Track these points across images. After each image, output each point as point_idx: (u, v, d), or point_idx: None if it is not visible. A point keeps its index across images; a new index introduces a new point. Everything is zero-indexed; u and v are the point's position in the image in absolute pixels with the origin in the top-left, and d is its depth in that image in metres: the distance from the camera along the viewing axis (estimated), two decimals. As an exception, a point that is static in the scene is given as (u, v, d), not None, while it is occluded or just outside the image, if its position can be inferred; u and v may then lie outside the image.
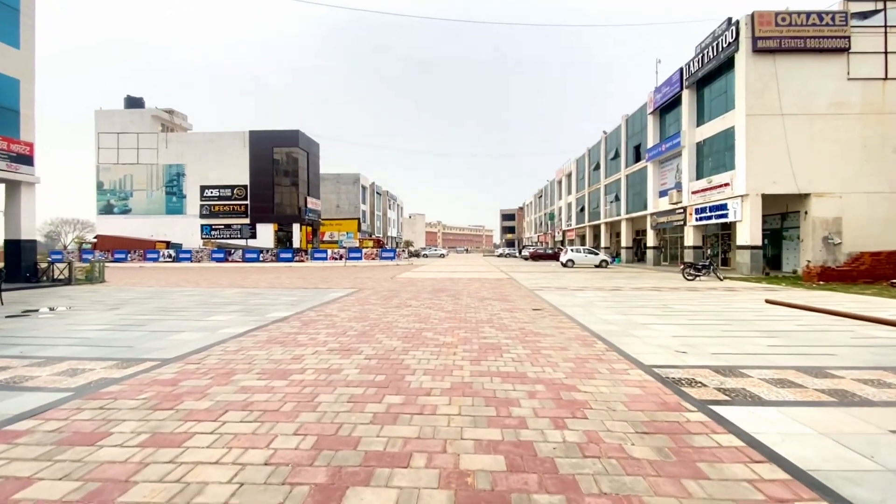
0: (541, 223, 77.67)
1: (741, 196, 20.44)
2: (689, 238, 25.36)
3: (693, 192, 24.68)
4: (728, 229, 26.14)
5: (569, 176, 55.41)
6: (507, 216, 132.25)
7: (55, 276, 16.97)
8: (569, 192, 55.70)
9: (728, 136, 21.86)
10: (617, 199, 37.66)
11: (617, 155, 37.40)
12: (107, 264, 34.53)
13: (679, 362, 5.36)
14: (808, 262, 19.56)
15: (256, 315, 9.08)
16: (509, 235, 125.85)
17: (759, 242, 20.18)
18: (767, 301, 11.20)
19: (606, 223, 41.12)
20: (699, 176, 24.77)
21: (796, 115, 19.92)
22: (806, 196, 20.01)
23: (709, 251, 26.88)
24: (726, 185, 21.50)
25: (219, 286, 16.12)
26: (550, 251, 46.28)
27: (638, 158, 33.44)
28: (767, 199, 20.40)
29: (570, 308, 10.09)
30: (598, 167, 42.86)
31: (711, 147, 23.63)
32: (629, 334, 7.08)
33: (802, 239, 20.34)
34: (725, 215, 21.61)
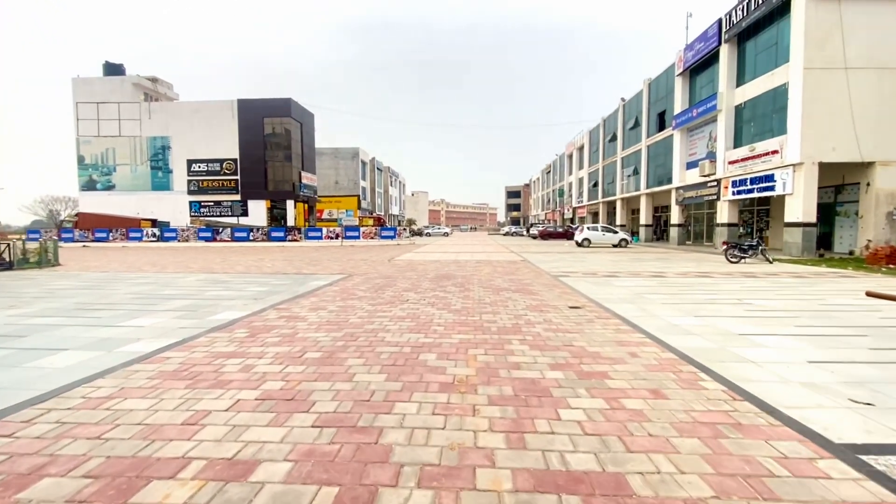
0: (548, 200, 74.66)
1: (793, 165, 17.64)
2: (724, 214, 22.64)
3: (730, 163, 21.83)
4: (766, 204, 23.38)
5: (580, 149, 52.18)
6: (512, 193, 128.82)
7: (-2, 259, 14.61)
8: (580, 167, 52.59)
9: (778, 95, 18.88)
10: (636, 172, 34.74)
11: (637, 124, 34.27)
12: (86, 244, 32.34)
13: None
14: (869, 241, 16.96)
15: (197, 317, 6.68)
16: (515, 213, 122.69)
17: (812, 219, 17.48)
18: (869, 294, 8.66)
19: (623, 199, 38.29)
20: (738, 144, 21.87)
21: (863, 68, 16.92)
22: (869, 165, 17.19)
23: (743, 229, 24.21)
24: (774, 152, 18.65)
25: (186, 270, 13.74)
26: (561, 229, 43.60)
27: (662, 127, 30.37)
28: (821, 169, 17.58)
29: (616, 304, 7.62)
30: (614, 138, 39.73)
31: (755, 110, 20.65)
32: (737, 356, 4.63)
33: (862, 215, 17.61)
34: (772, 188, 18.85)
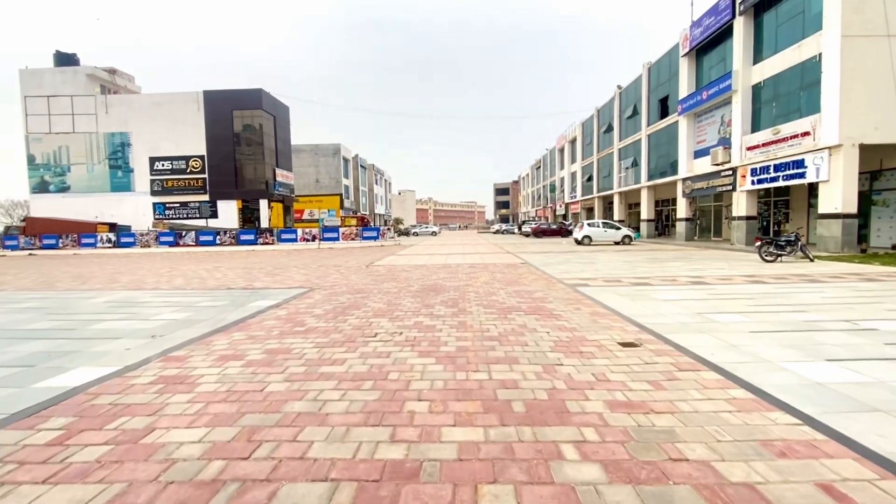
0: (539, 196, 72.58)
1: (829, 148, 15.43)
2: (741, 206, 20.43)
3: (748, 148, 19.61)
4: (786, 195, 21.24)
5: (573, 142, 50.01)
6: (500, 191, 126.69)
7: None
8: (573, 161, 50.42)
9: (807, 69, 16.67)
10: (635, 164, 32.53)
11: (636, 112, 32.04)
12: (33, 252, 29.01)
13: None
14: (916, 233, 14.82)
15: (16, 384, 4.00)
16: (504, 211, 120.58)
17: (853, 209, 15.30)
18: None
19: (620, 193, 36.09)
20: (757, 127, 19.67)
21: (908, 35, 14.76)
22: (915, 146, 15.08)
23: (758, 223, 22.01)
24: (805, 134, 16.44)
25: (108, 286, 10.92)
26: (555, 226, 41.33)
27: (665, 114, 28.16)
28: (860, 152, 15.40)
29: (685, 337, 5.15)
30: (610, 129, 37.53)
31: (777, 88, 18.44)
32: None
33: (906, 204, 15.50)
34: (802, 175, 16.64)
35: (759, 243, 14.01)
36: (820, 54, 15.81)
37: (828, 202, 15.69)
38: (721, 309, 6.75)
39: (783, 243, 13.70)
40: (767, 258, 13.73)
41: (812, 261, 13.57)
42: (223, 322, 6.49)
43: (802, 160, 16.52)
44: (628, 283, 9.81)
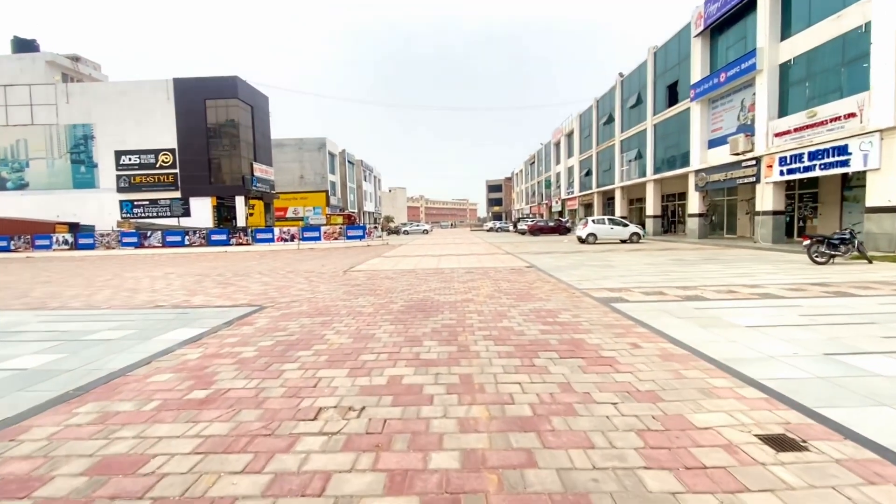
0: (533, 193, 70.50)
1: (880, 131, 13.37)
2: (767, 200, 18.35)
3: (776, 135, 17.53)
4: (813, 187, 19.19)
5: (569, 135, 47.89)
6: (493, 187, 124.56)
7: None
8: (569, 155, 48.31)
9: (849, 42, 14.60)
10: (639, 156, 30.43)
11: (640, 101, 29.91)
12: (-21, 256, 26.13)
13: None
14: (980, 229, 12.81)
15: None
16: (496, 208, 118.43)
17: (911, 202, 13.26)
18: None
19: (622, 188, 33.99)
20: (785, 111, 17.58)
21: (974, -2, 12.71)
22: (979, 128, 13.05)
23: (795, 217, 19.97)
24: (849, 116, 14.37)
25: (3, 303, 8.46)
26: (553, 223, 39.19)
27: (673, 101, 26.05)
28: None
29: (860, 414, 2.94)
30: (610, 120, 35.41)
31: (811, 65, 16.35)
32: None
33: (966, 195, 13.47)
34: (845, 163, 14.57)
35: (807, 242, 11.93)
36: (867, 23, 13.73)
37: (879, 194, 13.63)
38: (849, 344, 4.53)
39: (836, 242, 11.64)
40: (819, 259, 11.68)
41: (870, 262, 11.56)
42: (93, 376, 4.14)
43: (846, 146, 14.46)
44: (674, 295, 7.59)
